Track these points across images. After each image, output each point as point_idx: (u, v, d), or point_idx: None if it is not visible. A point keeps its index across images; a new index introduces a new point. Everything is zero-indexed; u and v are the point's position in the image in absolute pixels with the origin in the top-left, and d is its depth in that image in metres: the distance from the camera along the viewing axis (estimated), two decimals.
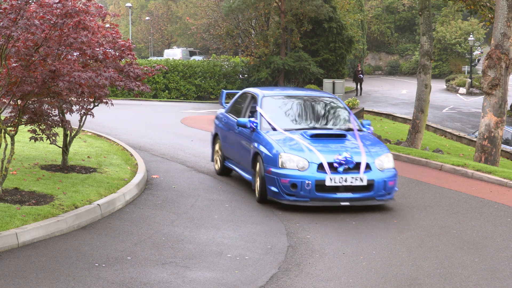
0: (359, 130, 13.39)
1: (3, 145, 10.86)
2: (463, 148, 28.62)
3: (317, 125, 13.31)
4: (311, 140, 12.33)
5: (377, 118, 38.53)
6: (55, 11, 10.96)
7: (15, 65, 10.79)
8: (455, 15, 76.93)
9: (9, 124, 11.55)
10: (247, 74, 46.72)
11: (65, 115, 13.43)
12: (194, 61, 46.88)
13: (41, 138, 12.80)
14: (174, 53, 66.54)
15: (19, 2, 10.06)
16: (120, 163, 14.92)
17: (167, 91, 43.87)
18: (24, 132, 13.48)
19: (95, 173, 13.41)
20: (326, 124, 13.52)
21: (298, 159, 11.80)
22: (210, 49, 58.19)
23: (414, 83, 46.74)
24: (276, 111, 13.55)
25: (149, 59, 54.57)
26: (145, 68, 14.07)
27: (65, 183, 12.17)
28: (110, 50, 13.32)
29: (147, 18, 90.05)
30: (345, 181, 11.69)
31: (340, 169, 11.70)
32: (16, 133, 11.36)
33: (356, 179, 11.75)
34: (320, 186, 11.70)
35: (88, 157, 15.35)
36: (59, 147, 13.89)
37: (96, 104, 13.73)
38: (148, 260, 8.70)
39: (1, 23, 9.94)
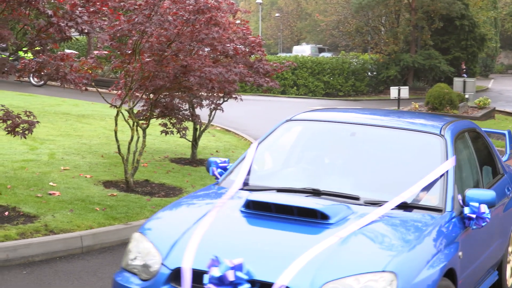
0: (414, 208, 5.85)
1: (135, 138, 11.14)
2: None
3: (329, 186, 6.17)
4: (242, 215, 5.72)
5: (509, 118, 37.48)
6: (187, 7, 11.16)
7: (148, 60, 11.05)
8: None
9: (141, 118, 11.85)
10: (376, 72, 46.35)
11: (195, 109, 13.67)
12: (323, 58, 46.80)
13: (172, 132, 13.11)
14: (303, 50, 66.55)
15: None
16: None
17: (295, 88, 43.98)
18: (155, 125, 13.78)
19: None
20: (357, 186, 6.23)
21: (152, 251, 5.41)
22: (339, 46, 57.97)
23: None
24: (291, 150, 7.36)
25: (278, 55, 54.85)
26: (274, 65, 14.16)
27: (194, 176, 12.36)
28: (240, 46, 13.45)
29: (277, 14, 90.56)
30: None
31: None
32: (147, 126, 11.65)
33: None
34: None
35: (217, 151, 15.55)
36: (189, 140, 14.14)
37: (225, 99, 13.90)
38: None
39: (136, 19, 10.21)
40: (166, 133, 13.24)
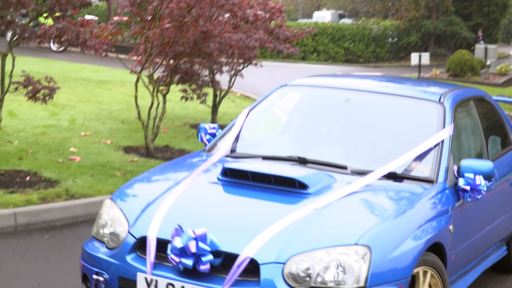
0: (399, 178, 5.46)
1: (155, 103, 11.16)
2: None
3: (317, 155, 5.83)
4: (219, 183, 5.42)
5: None
6: None
7: (168, 26, 11.02)
8: None
9: (161, 84, 11.86)
10: (397, 38, 46.06)
11: (215, 75, 13.67)
12: (343, 24, 46.54)
13: (192, 98, 13.13)
14: (324, 16, 66.13)
15: None
16: None
17: (315, 54, 43.81)
18: (175, 91, 13.79)
19: None
20: (349, 156, 5.88)
21: (120, 219, 5.10)
22: (360, 12, 57.61)
23: None
24: (283, 117, 7.13)
25: (298, 21, 54.59)
26: (295, 31, 14.09)
27: None
28: (260, 12, 13.40)
29: None
30: None
31: (180, 266, 4.61)
32: (168, 92, 11.67)
33: None
34: None
35: (237, 117, 15.54)
36: (209, 106, 14.16)
37: (245, 65, 13.87)
38: None
39: None
40: (186, 99, 13.27)
